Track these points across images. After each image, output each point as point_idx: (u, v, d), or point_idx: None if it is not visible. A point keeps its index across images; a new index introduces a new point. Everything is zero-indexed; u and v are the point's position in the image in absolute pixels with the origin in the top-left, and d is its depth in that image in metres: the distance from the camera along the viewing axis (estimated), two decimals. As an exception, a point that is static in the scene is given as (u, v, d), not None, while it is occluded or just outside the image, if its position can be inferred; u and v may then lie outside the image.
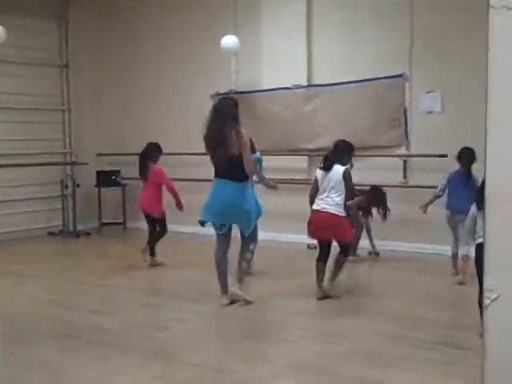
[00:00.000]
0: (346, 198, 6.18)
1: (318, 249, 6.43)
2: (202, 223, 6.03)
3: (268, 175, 9.54)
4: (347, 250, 6.42)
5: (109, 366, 4.43)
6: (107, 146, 11.45)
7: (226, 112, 5.82)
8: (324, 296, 6.17)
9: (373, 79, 8.96)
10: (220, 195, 5.82)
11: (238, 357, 4.60)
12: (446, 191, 7.19)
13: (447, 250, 7.48)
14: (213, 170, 8.49)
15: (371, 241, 8.34)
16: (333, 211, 6.12)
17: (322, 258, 6.24)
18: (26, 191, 10.48)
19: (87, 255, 9.27)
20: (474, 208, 4.97)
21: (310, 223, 6.31)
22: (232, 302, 5.92)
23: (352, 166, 6.85)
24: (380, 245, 8.51)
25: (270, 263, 7.79)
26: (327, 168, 6.29)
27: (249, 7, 10.14)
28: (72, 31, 11.27)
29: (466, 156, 7.01)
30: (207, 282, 6.87)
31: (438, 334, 5.09)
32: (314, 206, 6.28)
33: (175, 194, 8.08)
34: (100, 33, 11.47)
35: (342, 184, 6.15)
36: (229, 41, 9.61)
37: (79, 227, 10.90)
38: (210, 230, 6.26)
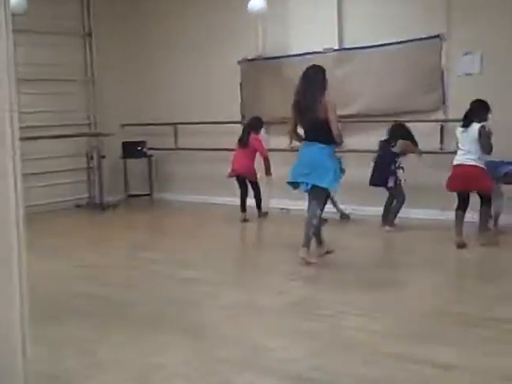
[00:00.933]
0: (483, 152, 6.79)
1: (457, 199, 6.99)
2: (292, 184, 6.34)
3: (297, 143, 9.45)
4: (489, 199, 6.95)
5: (143, 346, 4.23)
6: (132, 117, 11.23)
7: (315, 78, 6.19)
8: (464, 244, 6.73)
9: (407, 41, 8.54)
10: (305, 155, 6.17)
11: (276, 334, 4.37)
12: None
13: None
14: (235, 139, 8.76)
15: None
16: (474, 163, 6.78)
17: (462, 207, 6.93)
18: (51, 163, 10.27)
19: (115, 228, 9.09)
20: None
21: (451, 177, 7.02)
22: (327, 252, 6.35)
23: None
24: (418, 213, 8.25)
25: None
26: (466, 125, 6.93)
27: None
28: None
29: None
30: (236, 254, 6.72)
31: (488, 308, 4.80)
32: (455, 162, 7.00)
33: (267, 162, 8.97)
34: (123, 1, 11.16)
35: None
36: (255, 3, 9.26)
37: (106, 199, 10.73)
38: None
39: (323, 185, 6.10)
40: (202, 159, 10.71)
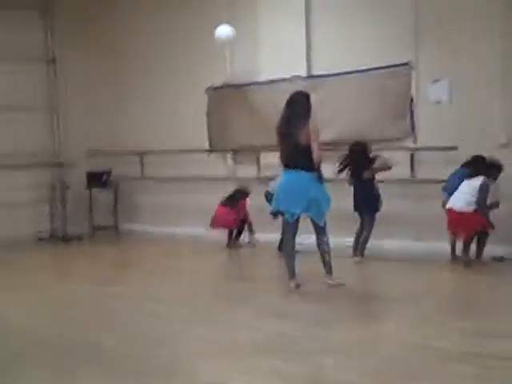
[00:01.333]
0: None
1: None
2: (274, 214, 6.53)
3: (268, 172, 9.32)
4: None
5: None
6: (98, 146, 11.00)
7: (300, 105, 6.25)
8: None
9: (377, 68, 8.52)
10: (289, 184, 6.18)
11: (250, 375, 4.16)
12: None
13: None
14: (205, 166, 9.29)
15: None
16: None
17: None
18: (13, 195, 9.96)
19: (80, 261, 8.82)
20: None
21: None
22: (298, 286, 6.21)
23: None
24: (386, 244, 8.14)
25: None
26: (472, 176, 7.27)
27: (244, -5, 9.69)
28: (57, 24, 10.81)
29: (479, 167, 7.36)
30: (208, 287, 6.51)
31: (468, 343, 4.65)
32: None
33: (250, 225, 9.26)
34: (87, 27, 10.99)
35: None
36: (223, 30, 9.17)
37: (70, 231, 10.43)
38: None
39: (321, 222, 6.17)
40: (170, 189, 10.51)
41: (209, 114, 10.20)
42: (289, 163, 6.20)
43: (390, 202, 7.96)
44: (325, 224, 6.24)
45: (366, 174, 7.71)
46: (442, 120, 8.06)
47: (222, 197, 9.19)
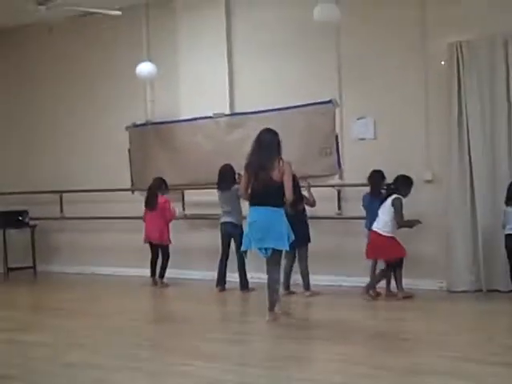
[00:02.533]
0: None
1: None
2: (245, 252, 6.55)
3: (191, 211, 9.14)
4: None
5: None
6: (13, 185, 10.59)
7: (270, 142, 6.30)
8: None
9: (301, 106, 8.54)
10: (260, 220, 6.19)
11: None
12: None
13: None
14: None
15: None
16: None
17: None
18: None
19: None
20: None
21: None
22: (275, 319, 6.24)
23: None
24: (316, 279, 8.00)
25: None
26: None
27: (163, 32, 9.58)
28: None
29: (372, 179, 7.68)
30: (132, 331, 6.18)
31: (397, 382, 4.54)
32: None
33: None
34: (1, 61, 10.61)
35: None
36: (144, 68, 9.00)
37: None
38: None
39: (282, 247, 6.21)
40: (91, 228, 10.17)
41: (131, 152, 9.97)
42: (259, 200, 6.22)
43: (318, 238, 7.88)
44: (279, 261, 6.32)
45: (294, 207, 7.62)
46: (367, 157, 8.10)
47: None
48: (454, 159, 7.58)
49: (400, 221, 7.19)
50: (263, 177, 6.15)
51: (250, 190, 6.36)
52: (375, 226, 7.27)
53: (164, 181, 9.03)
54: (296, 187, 7.28)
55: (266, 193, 6.16)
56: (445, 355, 5.00)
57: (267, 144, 6.26)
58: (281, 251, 6.29)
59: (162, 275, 8.95)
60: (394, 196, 7.24)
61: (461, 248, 7.56)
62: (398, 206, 7.17)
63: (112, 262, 9.91)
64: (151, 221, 8.88)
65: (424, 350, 5.20)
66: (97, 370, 5.02)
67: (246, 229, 6.45)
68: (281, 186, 6.11)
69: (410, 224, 7.25)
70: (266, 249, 6.20)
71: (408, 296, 7.28)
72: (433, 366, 4.76)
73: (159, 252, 8.99)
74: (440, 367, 4.71)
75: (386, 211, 7.23)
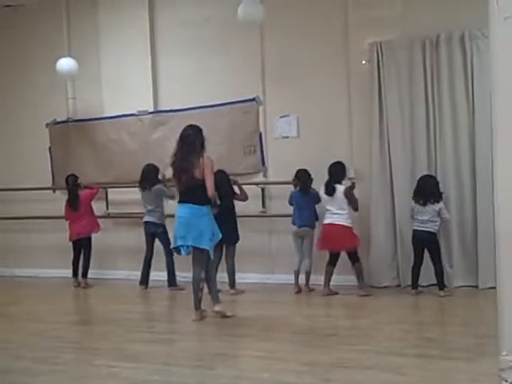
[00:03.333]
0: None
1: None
2: (176, 250, 6.33)
3: (114, 209, 9.00)
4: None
5: None
6: None
7: (193, 139, 6.26)
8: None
9: (224, 104, 8.54)
10: (182, 218, 6.18)
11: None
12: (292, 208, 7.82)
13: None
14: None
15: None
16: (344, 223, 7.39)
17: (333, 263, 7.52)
18: None
19: None
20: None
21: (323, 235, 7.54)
22: (202, 319, 6.24)
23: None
24: (241, 277, 8.00)
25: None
26: (330, 193, 7.43)
27: (85, 28, 9.38)
28: None
29: (301, 177, 7.73)
30: (50, 332, 6.06)
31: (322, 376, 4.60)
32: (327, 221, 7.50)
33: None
34: None
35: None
36: (64, 64, 8.79)
37: None
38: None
39: (202, 246, 6.13)
40: (9, 228, 9.86)
41: (51, 150, 9.72)
42: (184, 198, 6.22)
43: (243, 236, 7.89)
44: (201, 259, 6.24)
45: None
46: (291, 155, 8.17)
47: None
48: (375, 156, 7.75)
49: (356, 206, 7.42)
50: (186, 174, 6.16)
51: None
52: (333, 220, 7.37)
53: (75, 175, 8.87)
54: (222, 183, 7.38)
55: (189, 190, 6.17)
56: (368, 349, 5.12)
57: (190, 141, 6.25)
58: (202, 250, 6.19)
59: (84, 274, 8.79)
60: (341, 187, 7.38)
61: (381, 244, 7.74)
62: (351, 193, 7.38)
63: (33, 263, 9.63)
64: (77, 217, 8.71)
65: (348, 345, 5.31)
66: (17, 374, 4.88)
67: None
68: (203, 183, 6.12)
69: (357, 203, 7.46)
70: (187, 246, 6.21)
71: (367, 294, 7.34)
72: (358, 360, 4.86)
73: (81, 251, 8.83)
74: (365, 361, 4.82)
75: (339, 202, 7.35)
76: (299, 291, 7.63)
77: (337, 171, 7.49)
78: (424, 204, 7.17)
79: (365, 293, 7.32)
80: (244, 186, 8.12)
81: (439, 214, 7.19)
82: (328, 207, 7.45)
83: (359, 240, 7.47)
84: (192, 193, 6.16)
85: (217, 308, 6.34)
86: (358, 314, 6.65)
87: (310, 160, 7.97)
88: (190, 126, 6.43)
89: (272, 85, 8.37)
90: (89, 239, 8.82)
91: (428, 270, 7.40)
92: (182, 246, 6.21)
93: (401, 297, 7.28)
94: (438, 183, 7.29)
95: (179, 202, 6.30)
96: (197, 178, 6.13)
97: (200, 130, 6.36)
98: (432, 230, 7.19)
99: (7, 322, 6.83)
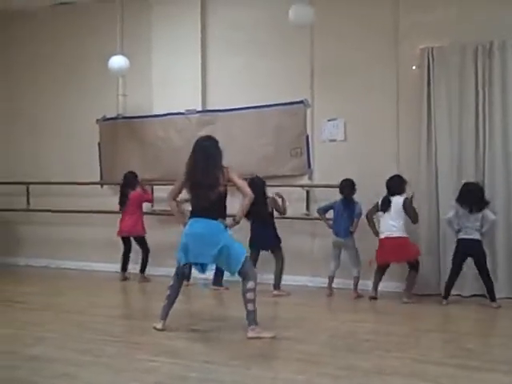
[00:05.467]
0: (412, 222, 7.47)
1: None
2: (184, 266, 5.97)
3: (160, 207, 9.09)
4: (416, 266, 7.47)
5: None
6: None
7: (214, 152, 5.83)
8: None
9: (272, 105, 8.58)
10: (198, 234, 5.72)
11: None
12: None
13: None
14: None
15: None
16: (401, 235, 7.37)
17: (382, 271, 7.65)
18: None
19: None
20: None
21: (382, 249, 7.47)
22: (163, 330, 5.93)
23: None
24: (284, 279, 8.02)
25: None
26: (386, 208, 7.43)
27: (138, 26, 9.53)
28: None
29: (345, 187, 7.68)
30: (99, 326, 6.17)
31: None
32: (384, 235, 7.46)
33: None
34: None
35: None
36: (116, 61, 8.93)
37: None
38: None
39: (234, 271, 5.76)
40: (57, 221, 10.07)
41: (101, 146, 9.90)
42: (201, 212, 5.76)
43: (286, 238, 7.93)
44: (249, 269, 5.78)
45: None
46: (337, 158, 8.17)
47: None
48: (423, 162, 7.69)
49: (415, 218, 7.40)
50: (209, 190, 5.70)
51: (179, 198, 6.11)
52: (389, 233, 7.35)
53: (133, 174, 9.04)
54: (257, 189, 7.18)
55: (210, 205, 5.73)
56: (406, 357, 5.09)
57: (210, 153, 5.80)
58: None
59: (141, 270, 8.95)
60: (402, 198, 7.35)
61: (425, 251, 7.67)
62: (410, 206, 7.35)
63: (79, 256, 9.84)
64: (124, 216, 8.94)
65: (386, 352, 5.29)
66: (60, 364, 5.00)
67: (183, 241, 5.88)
68: (224, 197, 5.84)
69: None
70: (204, 264, 5.84)
71: (412, 302, 7.32)
72: (395, 367, 4.83)
73: (130, 246, 9.04)
74: (402, 369, 4.79)
75: (395, 214, 7.34)
76: (330, 295, 7.70)
77: (395, 185, 7.43)
78: (470, 211, 7.07)
79: (409, 300, 7.27)
80: (289, 188, 8.16)
81: (483, 220, 7.08)
82: (383, 219, 7.44)
83: (418, 249, 7.43)
84: (212, 208, 5.74)
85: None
86: (398, 321, 6.59)
87: (356, 164, 7.99)
88: (208, 137, 6.05)
89: (320, 88, 8.38)
90: (140, 238, 8.99)
91: (470, 280, 7.33)
92: (197, 264, 5.85)
93: (442, 306, 7.20)
94: (482, 190, 7.18)
95: (194, 215, 5.83)
96: (220, 192, 5.77)
97: (217, 142, 5.95)
98: (477, 238, 7.10)
99: (52, 312, 6.97)
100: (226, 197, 5.89)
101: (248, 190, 5.79)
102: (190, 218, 5.88)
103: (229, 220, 5.84)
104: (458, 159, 7.62)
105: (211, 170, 5.73)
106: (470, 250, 7.12)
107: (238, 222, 5.85)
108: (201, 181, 5.73)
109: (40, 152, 10.29)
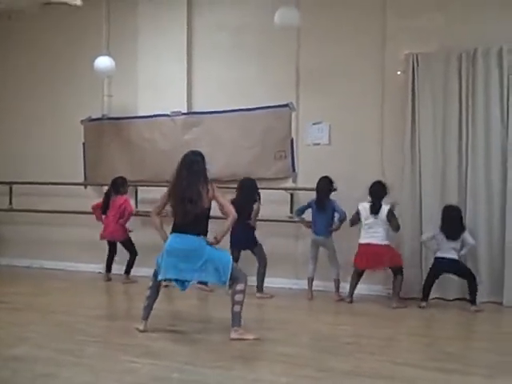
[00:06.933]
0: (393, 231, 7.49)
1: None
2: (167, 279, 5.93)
3: (143, 208, 9.08)
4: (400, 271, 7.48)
5: None
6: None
7: (199, 168, 5.80)
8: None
9: (258, 108, 8.62)
10: (179, 249, 5.70)
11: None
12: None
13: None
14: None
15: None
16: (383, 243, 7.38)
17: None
18: None
19: None
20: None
21: (360, 254, 7.48)
22: (145, 330, 5.91)
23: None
24: (266, 281, 8.03)
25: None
26: (376, 212, 7.41)
27: (124, 28, 9.54)
28: None
29: (321, 184, 7.72)
30: (76, 325, 6.18)
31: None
32: (363, 240, 7.44)
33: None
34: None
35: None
36: (102, 62, 8.93)
37: None
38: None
39: (222, 281, 5.69)
40: (40, 221, 10.04)
41: (85, 146, 9.87)
42: (182, 227, 5.74)
43: (269, 241, 7.97)
44: (238, 273, 5.76)
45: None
46: (321, 162, 8.21)
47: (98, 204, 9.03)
48: (407, 167, 7.75)
49: (397, 227, 7.43)
50: (194, 206, 5.67)
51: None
52: (370, 240, 7.37)
53: (122, 179, 9.02)
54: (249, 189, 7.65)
55: (193, 221, 5.69)
56: (386, 360, 5.12)
57: (196, 169, 5.77)
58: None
59: (126, 271, 8.94)
60: (386, 208, 7.35)
61: (408, 255, 7.73)
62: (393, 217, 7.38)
63: (62, 256, 9.82)
64: (106, 220, 8.98)
65: (366, 354, 5.32)
66: (42, 364, 4.99)
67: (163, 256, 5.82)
68: (207, 213, 5.83)
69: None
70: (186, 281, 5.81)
71: (400, 307, 7.32)
72: (374, 370, 4.87)
73: (115, 247, 9.05)
74: (381, 371, 4.83)
75: (380, 222, 7.34)
76: (311, 298, 7.73)
77: (378, 191, 7.44)
78: (448, 238, 7.21)
79: (398, 305, 7.31)
80: (273, 191, 8.20)
81: (462, 242, 7.23)
82: (366, 224, 7.42)
83: (399, 257, 7.47)
84: (196, 223, 5.72)
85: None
86: (379, 324, 6.63)
87: (340, 168, 8.03)
88: (193, 152, 5.99)
89: (306, 91, 8.42)
90: (125, 241, 8.97)
91: (455, 284, 7.40)
92: (178, 280, 5.79)
93: (424, 310, 7.25)
94: (461, 216, 7.29)
95: (176, 231, 5.79)
96: (205, 208, 5.78)
97: (203, 158, 5.91)
98: (455, 258, 7.21)
99: (32, 312, 6.93)
100: (209, 213, 5.85)
101: (231, 209, 5.82)
102: (171, 233, 5.84)
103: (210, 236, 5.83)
104: (442, 163, 7.69)
105: (194, 185, 5.70)
106: (447, 269, 7.25)
107: (218, 241, 5.82)
108: (183, 195, 5.70)
109: (24, 152, 10.25)
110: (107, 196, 8.97)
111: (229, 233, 6.22)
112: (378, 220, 7.35)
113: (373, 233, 7.36)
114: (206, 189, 5.74)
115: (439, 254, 7.26)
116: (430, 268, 7.35)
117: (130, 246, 8.96)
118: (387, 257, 7.33)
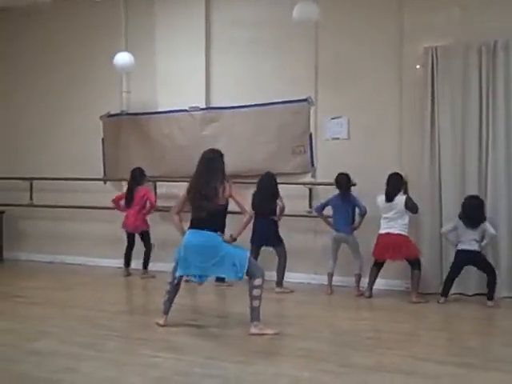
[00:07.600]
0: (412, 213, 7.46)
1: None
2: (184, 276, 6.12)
3: (162, 203, 9.10)
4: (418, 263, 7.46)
5: None
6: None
7: (217, 165, 5.89)
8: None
9: (276, 103, 8.58)
10: (196, 246, 5.76)
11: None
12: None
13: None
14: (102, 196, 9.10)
15: None
16: (401, 232, 7.38)
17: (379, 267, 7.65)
18: None
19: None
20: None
21: (378, 245, 7.49)
22: (165, 325, 5.96)
23: None
24: (288, 277, 8.03)
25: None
26: (390, 200, 7.42)
27: (143, 24, 9.55)
28: None
29: (341, 181, 7.71)
30: (97, 320, 6.21)
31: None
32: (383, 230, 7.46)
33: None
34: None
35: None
36: (122, 58, 8.94)
37: None
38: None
39: (238, 276, 5.70)
40: (60, 217, 10.11)
41: (104, 142, 9.92)
42: (198, 223, 5.80)
43: (288, 236, 7.97)
44: (254, 268, 5.78)
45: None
46: (340, 156, 8.18)
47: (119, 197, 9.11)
48: (425, 161, 7.70)
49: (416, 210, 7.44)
50: (210, 203, 5.75)
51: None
52: (390, 230, 7.37)
53: (141, 170, 9.01)
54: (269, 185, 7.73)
55: (210, 218, 5.76)
56: (407, 355, 5.11)
57: (213, 166, 5.86)
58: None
59: (144, 266, 8.98)
60: (404, 198, 7.38)
61: (427, 250, 7.69)
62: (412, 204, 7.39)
63: (82, 251, 9.88)
64: (129, 212, 8.96)
65: (387, 349, 5.31)
66: (62, 358, 5.05)
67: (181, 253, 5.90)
68: (224, 210, 6.00)
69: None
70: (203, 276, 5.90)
71: (420, 301, 7.29)
72: (396, 365, 4.86)
73: (134, 242, 9.06)
74: (402, 366, 4.82)
75: (398, 212, 7.36)
76: (331, 293, 7.73)
77: (394, 181, 7.45)
78: (468, 227, 7.16)
79: (417, 300, 7.28)
80: (291, 186, 8.19)
81: (483, 233, 7.18)
82: (385, 215, 7.43)
83: (417, 249, 7.45)
84: (212, 220, 5.78)
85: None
86: (399, 319, 6.61)
87: (359, 162, 8.01)
88: (212, 150, 6.06)
89: (324, 86, 8.39)
90: (145, 233, 9.00)
91: (475, 279, 7.36)
92: (196, 276, 5.90)
93: (445, 305, 7.22)
94: (483, 205, 7.23)
95: (193, 227, 5.85)
96: (221, 205, 5.94)
97: (222, 155, 5.99)
98: (477, 249, 7.15)
99: (53, 307, 7.00)
100: (226, 210, 5.97)
101: (247, 207, 5.94)
102: (188, 228, 5.91)
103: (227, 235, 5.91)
104: (462, 159, 7.62)
105: (211, 182, 5.78)
106: (469, 262, 7.19)
107: (234, 239, 5.89)
108: (200, 192, 5.79)
109: (44, 148, 10.32)
110: (130, 190, 8.98)
111: (249, 229, 6.26)
112: (397, 210, 7.33)
113: (393, 224, 7.36)
114: (223, 187, 5.81)
115: (460, 247, 7.21)
116: (453, 262, 7.29)
117: (147, 238, 8.99)
118: (405, 247, 7.32)
